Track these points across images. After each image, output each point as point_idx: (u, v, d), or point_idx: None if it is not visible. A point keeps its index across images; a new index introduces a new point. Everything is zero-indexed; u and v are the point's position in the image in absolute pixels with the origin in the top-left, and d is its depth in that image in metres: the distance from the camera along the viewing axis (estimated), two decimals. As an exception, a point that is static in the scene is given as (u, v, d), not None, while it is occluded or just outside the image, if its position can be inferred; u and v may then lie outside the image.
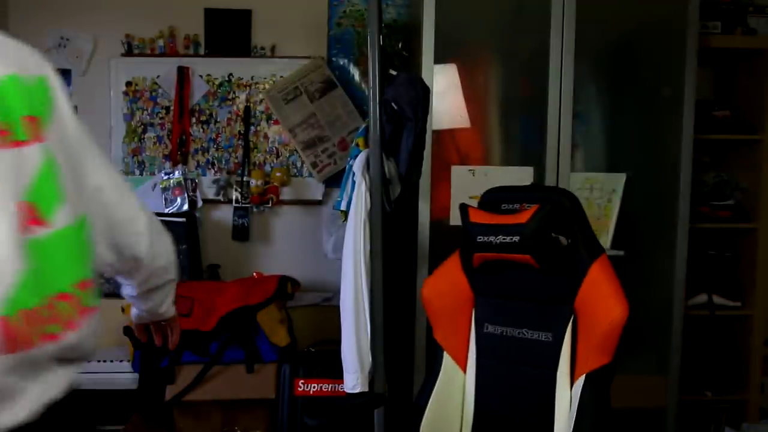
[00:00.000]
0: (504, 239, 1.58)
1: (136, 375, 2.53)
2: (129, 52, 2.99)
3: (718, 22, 2.70)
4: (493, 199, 1.70)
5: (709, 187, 2.75)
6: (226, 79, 3.00)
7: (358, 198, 2.02)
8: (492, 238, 1.60)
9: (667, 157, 2.51)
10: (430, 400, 1.68)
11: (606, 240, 2.50)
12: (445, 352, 1.70)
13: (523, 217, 1.56)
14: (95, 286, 0.95)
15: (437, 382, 1.68)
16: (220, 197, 3.02)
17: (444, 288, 1.74)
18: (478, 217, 1.65)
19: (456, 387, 1.69)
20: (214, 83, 3.00)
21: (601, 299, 1.48)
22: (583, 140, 2.50)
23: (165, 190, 2.99)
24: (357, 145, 2.15)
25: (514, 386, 1.63)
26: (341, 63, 3.04)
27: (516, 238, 1.56)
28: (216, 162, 3.03)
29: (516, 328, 1.63)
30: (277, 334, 2.51)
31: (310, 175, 3.02)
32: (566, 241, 1.58)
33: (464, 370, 1.69)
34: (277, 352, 2.50)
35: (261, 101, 3.01)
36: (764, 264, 2.71)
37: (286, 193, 3.03)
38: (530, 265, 1.58)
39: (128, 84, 2.99)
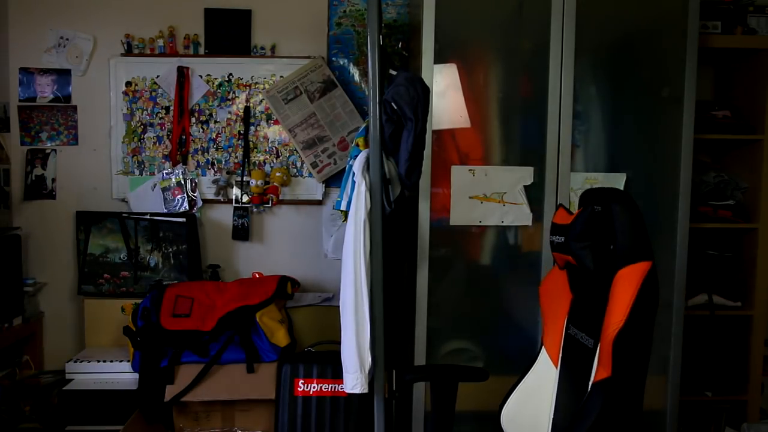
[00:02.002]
0: (557, 239, 1.66)
1: (136, 375, 2.53)
2: (129, 52, 2.99)
3: (718, 22, 2.71)
4: (582, 200, 1.75)
5: (710, 187, 2.75)
6: (226, 79, 3.00)
7: (358, 198, 2.02)
8: (554, 238, 1.69)
9: (667, 157, 2.51)
10: (516, 388, 1.76)
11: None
12: (543, 347, 1.76)
13: (570, 219, 1.61)
14: None
15: (528, 373, 1.76)
16: (220, 197, 3.02)
17: (550, 285, 1.79)
18: (555, 217, 1.72)
19: (548, 380, 1.74)
20: (213, 83, 3.00)
21: (609, 309, 1.47)
22: (583, 140, 2.50)
23: (165, 190, 2.99)
24: (357, 145, 2.15)
25: (568, 389, 1.67)
26: (341, 63, 3.04)
27: (562, 239, 1.63)
28: (216, 162, 3.03)
29: (580, 331, 1.66)
30: (277, 334, 2.51)
31: (310, 175, 3.02)
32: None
33: (557, 366, 1.74)
34: (277, 352, 2.50)
35: (261, 101, 3.01)
36: (764, 264, 2.71)
37: (286, 193, 3.03)
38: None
39: (128, 84, 2.99)
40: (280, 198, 3.00)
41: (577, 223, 1.59)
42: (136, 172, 3.01)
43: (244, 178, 3.01)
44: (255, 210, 3.04)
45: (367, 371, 2.02)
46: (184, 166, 3.00)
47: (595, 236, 1.57)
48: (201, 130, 3.02)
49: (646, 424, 2.58)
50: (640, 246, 1.50)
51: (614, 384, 1.46)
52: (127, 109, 3.00)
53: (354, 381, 2.02)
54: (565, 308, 1.74)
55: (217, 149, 3.03)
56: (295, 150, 3.01)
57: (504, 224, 2.48)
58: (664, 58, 2.51)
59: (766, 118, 2.70)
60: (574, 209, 1.66)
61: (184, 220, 2.91)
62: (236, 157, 3.03)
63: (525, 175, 2.46)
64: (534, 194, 2.46)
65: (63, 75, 3.00)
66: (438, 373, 2.02)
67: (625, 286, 1.47)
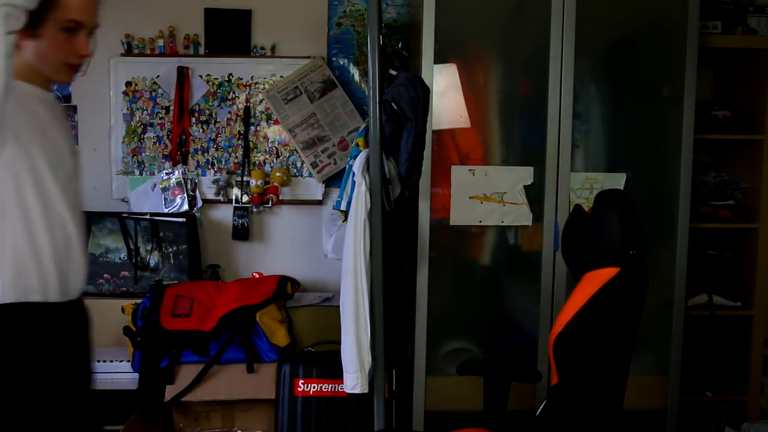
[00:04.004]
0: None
1: (136, 375, 2.53)
2: (129, 52, 2.99)
3: (718, 22, 2.70)
4: (595, 202, 1.69)
5: (710, 187, 2.75)
6: (226, 79, 3.00)
7: (358, 198, 2.02)
8: None
9: (667, 157, 2.51)
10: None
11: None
12: None
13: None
14: None
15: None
16: (220, 197, 3.02)
17: None
18: None
19: None
20: (213, 83, 3.00)
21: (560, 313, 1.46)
22: (583, 140, 2.50)
23: (165, 190, 2.99)
24: (357, 145, 2.15)
25: None
26: (341, 63, 3.03)
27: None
28: (216, 162, 3.03)
29: None
30: (277, 334, 2.51)
31: (310, 175, 3.02)
32: None
33: None
34: (277, 352, 2.50)
35: (261, 101, 3.01)
36: (764, 264, 2.71)
37: (286, 193, 3.03)
38: None
39: (128, 84, 2.99)
40: (280, 198, 3.00)
41: (567, 225, 1.57)
42: (136, 172, 3.01)
43: (244, 178, 3.01)
44: (255, 210, 3.04)
45: (367, 371, 2.02)
46: (184, 166, 3.00)
47: (584, 239, 1.53)
48: (201, 130, 3.02)
49: (647, 423, 2.58)
50: (612, 251, 1.44)
51: (561, 391, 1.41)
52: (127, 109, 3.00)
53: (354, 381, 2.02)
54: None
55: (217, 149, 3.03)
56: (295, 150, 3.01)
57: (504, 224, 2.48)
58: (664, 58, 2.51)
59: (766, 118, 2.70)
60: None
61: (184, 220, 2.91)
62: (236, 157, 3.03)
63: (525, 175, 2.46)
64: (534, 194, 2.46)
65: (63, 75, 3.00)
66: (492, 368, 1.97)
67: (582, 289, 1.43)
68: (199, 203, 3.01)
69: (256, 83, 3.01)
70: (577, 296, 1.43)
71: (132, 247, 2.92)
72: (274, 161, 3.03)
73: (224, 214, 3.05)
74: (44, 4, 1.27)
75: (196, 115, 3.02)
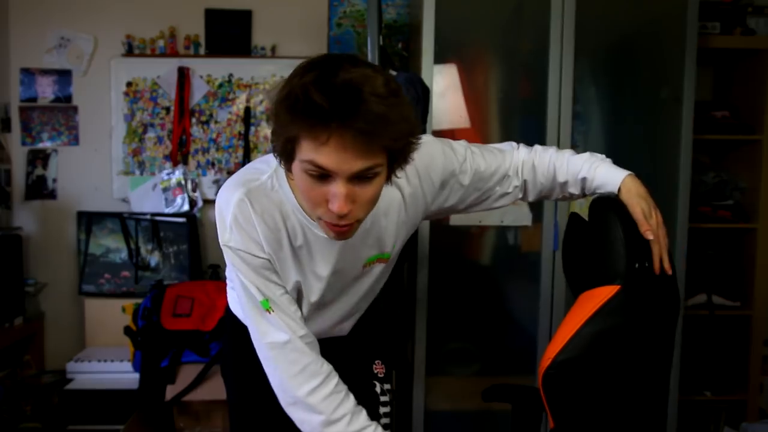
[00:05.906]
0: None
1: (137, 375, 2.53)
2: (129, 53, 2.99)
3: (718, 23, 2.71)
4: (590, 210, 1.49)
5: (709, 187, 2.75)
6: (227, 79, 3.01)
7: (359, 198, 2.02)
8: None
9: (666, 157, 2.52)
10: None
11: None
12: None
13: None
14: None
15: None
16: (221, 197, 3.02)
17: None
18: None
19: None
20: (214, 83, 3.00)
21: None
22: (582, 141, 2.50)
23: (165, 190, 3.00)
24: (357, 145, 2.15)
25: None
26: (341, 63, 3.03)
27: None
28: (216, 162, 3.03)
29: None
30: (277, 334, 2.51)
31: (311, 175, 3.02)
32: None
33: None
34: (277, 352, 2.50)
35: (261, 101, 3.01)
36: (764, 264, 2.72)
37: (286, 194, 3.03)
38: None
39: (128, 84, 3.00)
40: (281, 198, 3.00)
41: (566, 238, 1.43)
42: (137, 172, 3.02)
43: (245, 179, 3.01)
44: (255, 210, 3.04)
45: (367, 371, 2.02)
46: (184, 167, 3.01)
47: (579, 252, 1.34)
48: (201, 131, 3.03)
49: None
50: (609, 266, 1.19)
51: None
52: (128, 109, 3.01)
53: (354, 381, 2.02)
54: None
55: (217, 149, 3.03)
56: (296, 150, 3.01)
57: (504, 224, 2.48)
58: (663, 59, 2.51)
59: (765, 118, 2.70)
60: (575, 209, 1.65)
61: (185, 220, 2.92)
62: (237, 158, 3.03)
63: (525, 175, 2.46)
64: (534, 194, 2.46)
65: (64, 75, 3.00)
66: (522, 395, 1.55)
67: (574, 314, 1.18)
68: (200, 203, 3.02)
69: (257, 83, 3.01)
70: (568, 322, 1.17)
71: (133, 247, 2.92)
72: (275, 161, 3.04)
73: (224, 214, 3.05)
74: (289, 133, 1.06)
75: (197, 115, 3.02)
